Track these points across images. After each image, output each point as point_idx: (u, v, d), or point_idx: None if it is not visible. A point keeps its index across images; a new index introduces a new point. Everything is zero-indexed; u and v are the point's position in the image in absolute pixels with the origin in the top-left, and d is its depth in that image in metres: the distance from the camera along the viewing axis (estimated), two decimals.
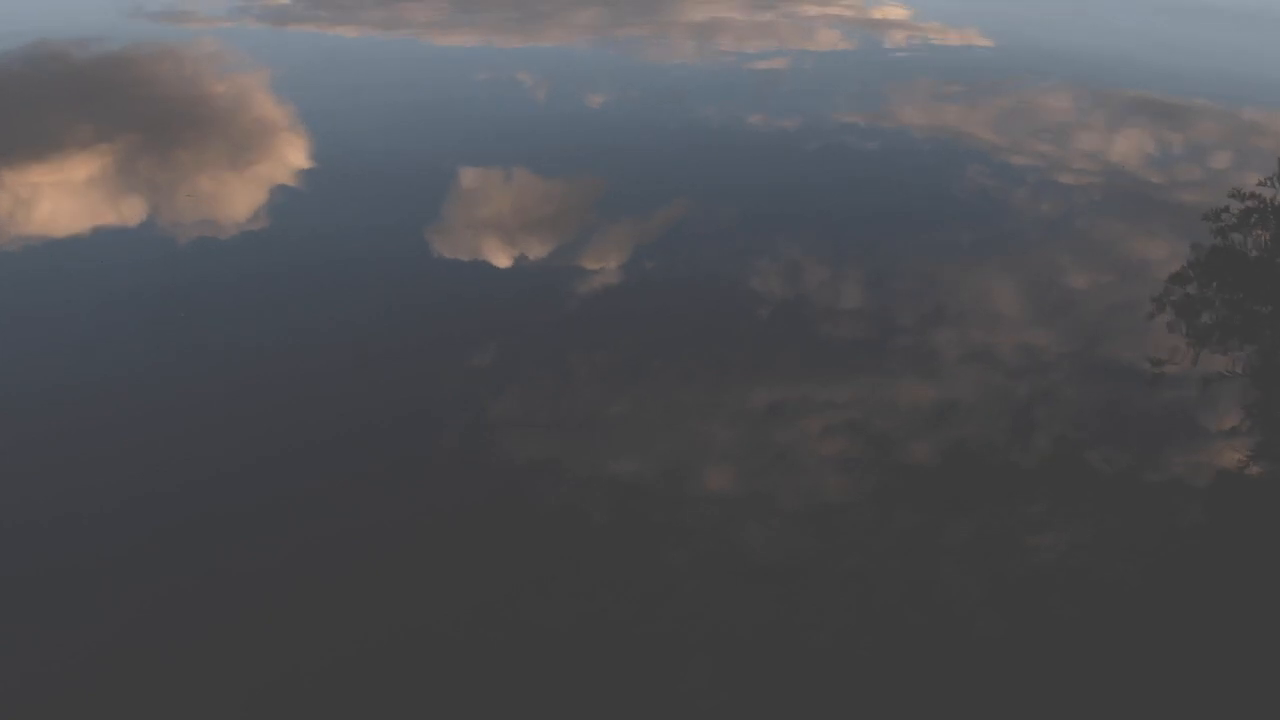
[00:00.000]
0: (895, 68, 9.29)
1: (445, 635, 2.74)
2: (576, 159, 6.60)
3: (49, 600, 2.84)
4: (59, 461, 3.43)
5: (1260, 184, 6.22)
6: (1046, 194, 6.08)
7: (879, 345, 4.29)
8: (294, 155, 6.63)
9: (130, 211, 5.63)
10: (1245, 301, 4.67)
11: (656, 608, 2.84)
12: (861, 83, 8.67)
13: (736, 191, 6.03)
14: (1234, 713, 2.54)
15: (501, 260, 5.07)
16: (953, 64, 9.47)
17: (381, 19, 11.14)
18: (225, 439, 3.57)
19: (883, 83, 8.69)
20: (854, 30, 11.14)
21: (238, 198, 5.88)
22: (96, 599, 2.84)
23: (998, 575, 2.98)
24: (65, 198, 5.81)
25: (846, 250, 5.23)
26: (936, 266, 5.03)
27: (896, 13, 12.25)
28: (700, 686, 2.59)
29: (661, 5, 12.46)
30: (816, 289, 4.78)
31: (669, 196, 5.94)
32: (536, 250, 5.18)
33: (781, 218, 5.63)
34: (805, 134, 7.17)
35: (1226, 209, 5.66)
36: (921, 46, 10.30)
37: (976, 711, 2.53)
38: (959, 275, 4.95)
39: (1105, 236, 5.47)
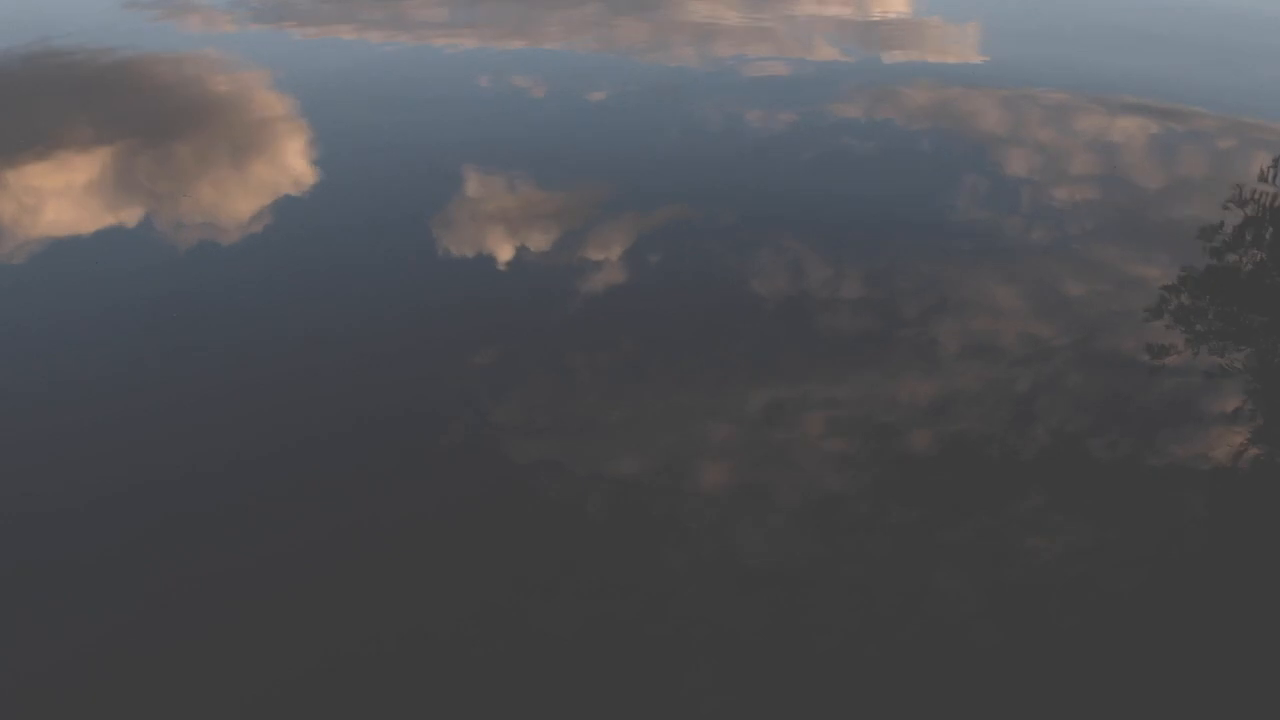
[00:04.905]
0: (895, 70, 9.29)
1: (449, 635, 2.73)
2: (577, 159, 6.59)
3: (48, 597, 2.82)
4: (58, 460, 3.42)
5: (1260, 179, 6.22)
6: (1044, 197, 6.08)
7: (879, 343, 4.28)
8: (293, 155, 6.61)
9: (129, 212, 5.61)
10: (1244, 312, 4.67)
11: (659, 609, 2.83)
12: (861, 84, 8.67)
13: (736, 194, 6.03)
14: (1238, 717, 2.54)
15: (501, 261, 5.07)
16: (951, 65, 9.48)
17: (383, 18, 11.13)
18: (225, 437, 3.55)
19: (882, 84, 8.69)
20: (852, 31, 11.14)
21: (237, 198, 5.86)
22: (91, 598, 2.83)
23: (998, 579, 2.97)
24: (63, 198, 5.79)
25: (846, 253, 5.23)
26: (936, 268, 5.03)
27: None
28: (703, 688, 2.58)
29: (660, 5, 12.46)
30: (816, 290, 4.78)
31: (669, 199, 5.93)
32: (537, 251, 5.18)
33: (781, 220, 5.63)
34: (805, 137, 7.17)
35: (1222, 224, 5.63)
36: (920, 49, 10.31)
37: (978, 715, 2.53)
38: (959, 276, 4.94)
39: (1105, 246, 5.47)
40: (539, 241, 5.28)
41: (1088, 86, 8.64)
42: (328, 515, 3.17)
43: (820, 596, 2.89)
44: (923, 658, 2.68)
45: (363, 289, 4.71)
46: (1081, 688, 2.61)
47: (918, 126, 7.44)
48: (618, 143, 6.95)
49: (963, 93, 8.42)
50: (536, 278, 4.87)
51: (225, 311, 4.46)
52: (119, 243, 5.19)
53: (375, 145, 6.79)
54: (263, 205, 5.72)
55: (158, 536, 3.06)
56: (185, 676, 2.58)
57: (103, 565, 2.94)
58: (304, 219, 5.54)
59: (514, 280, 4.83)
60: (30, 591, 2.84)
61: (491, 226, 5.47)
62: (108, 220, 5.47)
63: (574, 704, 2.53)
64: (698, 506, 3.26)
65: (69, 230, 5.33)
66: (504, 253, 5.15)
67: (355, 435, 3.58)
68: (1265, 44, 10.56)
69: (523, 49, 9.80)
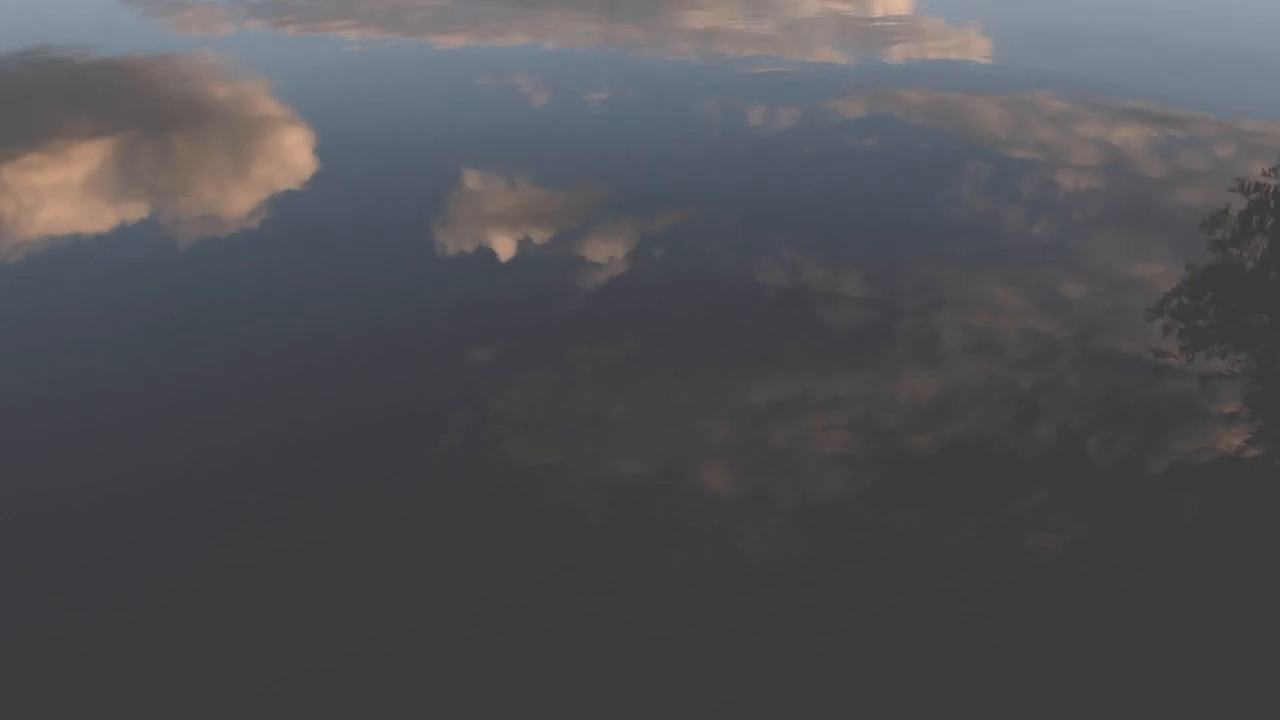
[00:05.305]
0: (894, 71, 9.27)
1: (449, 635, 2.73)
2: (575, 158, 6.58)
3: (48, 596, 2.82)
4: (58, 458, 3.41)
5: (1264, 174, 6.24)
6: (1045, 198, 6.07)
7: (880, 342, 4.27)
8: (292, 153, 6.60)
9: (128, 210, 5.60)
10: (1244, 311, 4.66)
11: (659, 609, 2.83)
12: (860, 86, 8.65)
13: (736, 194, 6.02)
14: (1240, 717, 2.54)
15: (501, 258, 5.06)
16: (951, 65, 9.46)
17: (382, 12, 11.10)
18: (225, 435, 3.55)
19: (882, 86, 8.68)
20: (852, 32, 11.12)
21: (237, 196, 5.85)
22: (91, 597, 2.82)
23: (998, 579, 2.97)
24: (62, 196, 5.78)
25: (846, 253, 5.22)
26: (936, 268, 5.02)
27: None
28: (703, 688, 2.58)
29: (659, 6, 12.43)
30: (816, 288, 4.77)
31: (669, 199, 5.92)
32: (537, 248, 5.17)
33: (781, 221, 5.62)
34: (805, 138, 7.16)
35: (1222, 218, 5.62)
36: (920, 47, 10.29)
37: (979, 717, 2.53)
38: (958, 277, 4.94)
39: (1104, 247, 5.46)
40: (539, 238, 5.27)
41: (1086, 86, 8.62)
42: (328, 515, 3.17)
43: (820, 596, 2.89)
44: (923, 658, 2.68)
45: (363, 286, 4.70)
46: (1081, 688, 2.61)
47: (917, 124, 7.43)
48: (619, 141, 6.93)
49: (962, 94, 8.41)
50: (537, 274, 4.86)
51: (225, 309, 4.46)
52: (118, 240, 5.18)
53: (375, 143, 6.78)
54: (262, 203, 5.71)
55: (158, 536, 3.06)
56: (185, 675, 2.57)
57: (103, 564, 2.94)
58: (304, 216, 5.53)
59: (514, 277, 4.83)
60: (30, 590, 2.84)
61: (492, 224, 5.46)
62: (107, 218, 5.46)
63: (574, 703, 2.52)
64: (698, 506, 3.25)
65: (68, 228, 5.32)
66: (504, 250, 5.14)
67: (355, 434, 3.58)
68: (1250, 46, 10.57)
69: (524, 45, 9.78)
